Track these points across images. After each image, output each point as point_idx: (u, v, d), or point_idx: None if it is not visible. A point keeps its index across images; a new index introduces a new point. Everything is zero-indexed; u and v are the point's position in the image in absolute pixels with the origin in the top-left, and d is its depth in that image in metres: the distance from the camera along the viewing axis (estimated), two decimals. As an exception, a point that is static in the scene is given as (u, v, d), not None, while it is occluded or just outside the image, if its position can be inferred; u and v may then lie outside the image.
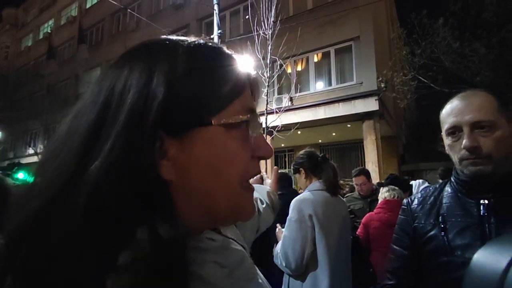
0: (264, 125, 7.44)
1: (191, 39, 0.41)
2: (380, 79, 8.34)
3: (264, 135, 7.54)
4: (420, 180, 3.42)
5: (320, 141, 12.60)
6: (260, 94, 0.46)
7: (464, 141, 0.88)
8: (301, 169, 1.85)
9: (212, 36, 8.03)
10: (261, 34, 7.93)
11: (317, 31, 9.91)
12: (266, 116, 7.36)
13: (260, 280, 0.44)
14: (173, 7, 13.87)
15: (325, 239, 1.60)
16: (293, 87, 8.86)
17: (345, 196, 3.47)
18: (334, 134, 11.40)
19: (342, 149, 12.30)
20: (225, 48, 0.42)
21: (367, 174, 3.27)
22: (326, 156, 1.84)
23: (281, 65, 7.71)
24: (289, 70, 10.24)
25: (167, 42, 0.39)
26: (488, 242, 0.40)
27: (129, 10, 12.51)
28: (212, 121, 0.35)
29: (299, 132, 10.93)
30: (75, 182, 0.30)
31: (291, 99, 9.96)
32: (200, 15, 12.76)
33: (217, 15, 7.48)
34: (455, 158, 0.94)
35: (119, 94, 0.34)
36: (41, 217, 0.30)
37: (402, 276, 1.06)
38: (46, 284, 0.28)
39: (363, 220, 2.56)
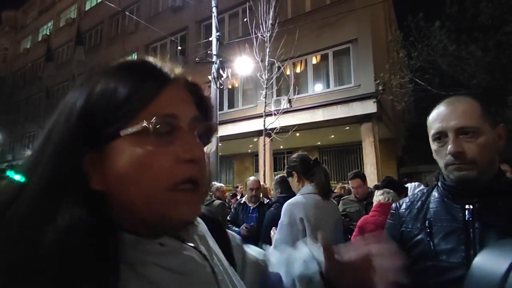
0: (262, 127, 7.45)
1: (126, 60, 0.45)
2: (378, 81, 8.36)
3: (263, 137, 7.55)
4: (416, 183, 3.41)
5: (318, 143, 12.61)
6: (199, 90, 0.47)
7: (449, 147, 0.89)
8: (293, 172, 1.85)
9: (210, 39, 8.06)
10: (259, 36, 7.95)
11: (315, 34, 9.94)
12: (265, 118, 7.37)
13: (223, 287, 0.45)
14: (172, 10, 13.90)
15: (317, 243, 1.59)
16: (291, 89, 8.87)
17: (342, 198, 3.46)
18: (332, 136, 11.41)
19: (340, 151, 12.31)
20: (142, 61, 0.44)
21: (362, 177, 3.26)
22: (318, 160, 1.83)
23: (279, 67, 7.72)
24: (287, 72, 10.26)
25: (105, 65, 0.44)
26: (488, 246, 0.40)
27: (127, 12, 12.52)
28: (120, 133, 0.38)
29: (297, 134, 10.94)
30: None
31: (289, 101, 9.97)
32: (198, 18, 12.79)
33: (215, 17, 7.50)
34: (441, 163, 0.94)
35: (59, 112, 0.41)
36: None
37: None
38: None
39: (358, 223, 2.55)
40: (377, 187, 3.40)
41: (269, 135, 7.58)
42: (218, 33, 7.51)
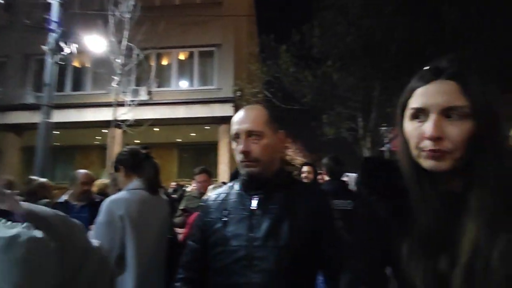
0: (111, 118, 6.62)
1: None
2: (236, 88, 9.14)
3: (113, 128, 6.71)
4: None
5: (178, 140, 12.46)
6: None
7: (239, 147, 1.04)
8: (121, 167, 1.70)
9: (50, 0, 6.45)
10: (118, 15, 7.06)
11: (182, 29, 9.82)
12: (116, 107, 6.58)
13: None
14: None
15: (136, 241, 1.52)
16: (152, 81, 8.36)
17: (185, 195, 3.52)
18: (192, 134, 11.55)
19: (199, 149, 12.61)
20: None
21: (208, 172, 3.41)
22: (150, 154, 1.77)
23: (138, 55, 7.10)
24: (152, 63, 9.62)
25: None
26: None
27: None
28: None
29: (156, 129, 10.41)
30: None
31: (149, 93, 9.36)
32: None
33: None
34: (237, 160, 1.08)
35: None
36: None
37: (191, 268, 1.12)
38: None
39: (189, 219, 2.58)
40: (224, 183, 3.65)
41: (119, 126, 6.82)
42: (62, -4, 6.11)
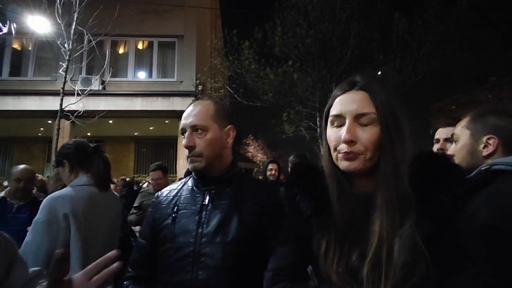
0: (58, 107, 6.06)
1: None
2: (198, 81, 8.93)
3: (57, 119, 6.13)
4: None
5: (136, 133, 11.85)
6: None
7: (183, 141, 1.04)
8: (65, 161, 1.57)
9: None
10: (66, -5, 6.43)
11: (141, 17, 9.30)
12: (62, 96, 6.02)
13: None
14: None
15: (83, 240, 1.42)
16: (106, 69, 7.79)
17: (141, 191, 3.38)
18: (151, 128, 11.06)
19: (158, 144, 12.14)
20: None
21: (164, 169, 3.31)
22: (99, 147, 1.66)
23: (90, 41, 6.57)
24: (106, 51, 8.96)
25: None
26: None
27: None
28: None
29: (110, 122, 9.78)
30: None
31: (103, 83, 8.74)
32: None
33: None
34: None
35: None
36: None
37: (139, 266, 1.09)
38: None
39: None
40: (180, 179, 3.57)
41: (67, 117, 6.27)
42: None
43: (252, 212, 1.00)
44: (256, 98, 9.14)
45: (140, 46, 10.05)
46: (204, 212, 1.02)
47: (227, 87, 9.32)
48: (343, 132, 0.69)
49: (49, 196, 1.45)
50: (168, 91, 9.31)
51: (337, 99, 0.73)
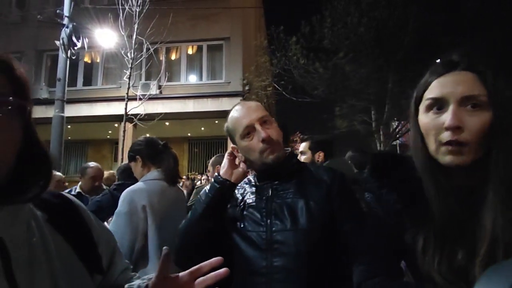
0: (124, 112, 6.67)
1: None
2: (245, 81, 9.05)
3: (123, 122, 6.75)
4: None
5: (189, 134, 12.50)
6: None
7: (259, 135, 1.02)
8: (137, 157, 1.68)
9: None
10: (127, 9, 7.04)
11: (191, 23, 9.76)
12: (127, 101, 6.60)
13: None
14: None
15: (159, 232, 1.51)
16: (162, 75, 8.35)
17: (197, 187, 3.52)
18: (203, 128, 11.56)
19: (209, 143, 12.63)
20: None
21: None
22: (168, 144, 1.75)
23: (148, 49, 7.09)
24: (161, 57, 9.62)
25: None
26: (486, 272, 0.40)
27: None
28: None
29: (167, 124, 10.46)
30: None
31: (159, 87, 9.38)
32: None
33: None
34: (256, 153, 1.05)
35: None
36: None
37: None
38: None
39: None
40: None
41: (131, 120, 6.85)
42: (74, -9, 6.12)
43: (318, 197, 1.00)
44: (305, 93, 8.92)
45: (190, 51, 10.57)
46: (271, 203, 1.03)
47: (275, 85, 9.26)
48: (446, 117, 0.60)
49: (127, 189, 1.57)
50: (217, 92, 9.63)
51: (435, 82, 0.65)
